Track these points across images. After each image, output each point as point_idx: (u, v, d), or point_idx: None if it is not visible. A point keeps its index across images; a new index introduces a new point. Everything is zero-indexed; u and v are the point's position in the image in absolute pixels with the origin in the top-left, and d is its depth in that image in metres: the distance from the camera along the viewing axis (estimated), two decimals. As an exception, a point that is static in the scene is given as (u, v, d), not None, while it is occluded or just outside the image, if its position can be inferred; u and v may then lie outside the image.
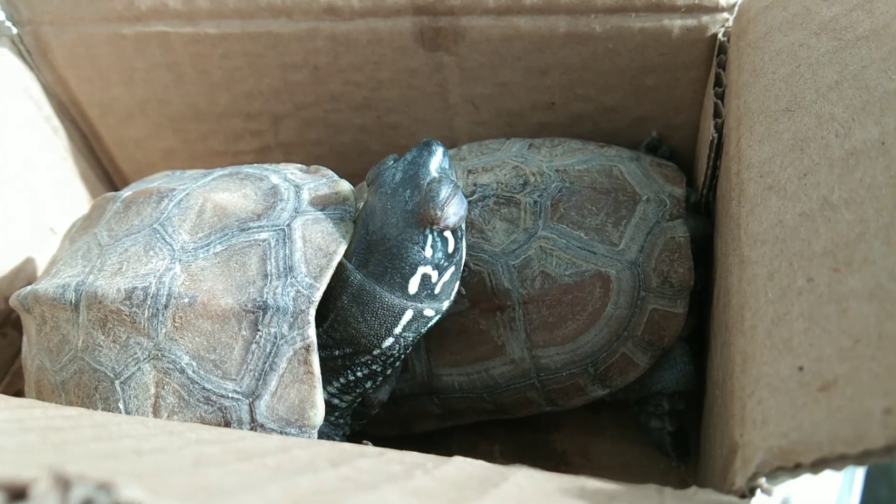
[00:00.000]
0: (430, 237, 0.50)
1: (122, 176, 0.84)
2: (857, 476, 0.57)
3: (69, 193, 0.78)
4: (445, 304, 0.53)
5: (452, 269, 0.52)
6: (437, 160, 0.51)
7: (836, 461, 0.33)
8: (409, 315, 0.51)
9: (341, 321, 0.52)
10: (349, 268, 0.51)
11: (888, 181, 0.39)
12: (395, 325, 0.51)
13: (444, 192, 0.49)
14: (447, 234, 0.51)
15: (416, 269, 0.50)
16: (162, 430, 0.41)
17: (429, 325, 0.53)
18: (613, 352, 0.58)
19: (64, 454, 0.32)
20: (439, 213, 0.49)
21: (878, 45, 0.47)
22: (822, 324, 0.38)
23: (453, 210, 0.49)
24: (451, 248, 0.51)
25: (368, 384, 0.55)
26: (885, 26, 0.47)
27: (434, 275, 0.51)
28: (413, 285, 0.51)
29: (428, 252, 0.50)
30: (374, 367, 0.54)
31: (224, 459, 0.34)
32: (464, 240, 0.53)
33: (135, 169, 0.83)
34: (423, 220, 0.49)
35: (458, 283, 0.54)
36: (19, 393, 0.66)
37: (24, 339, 0.59)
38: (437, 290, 0.52)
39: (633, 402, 0.63)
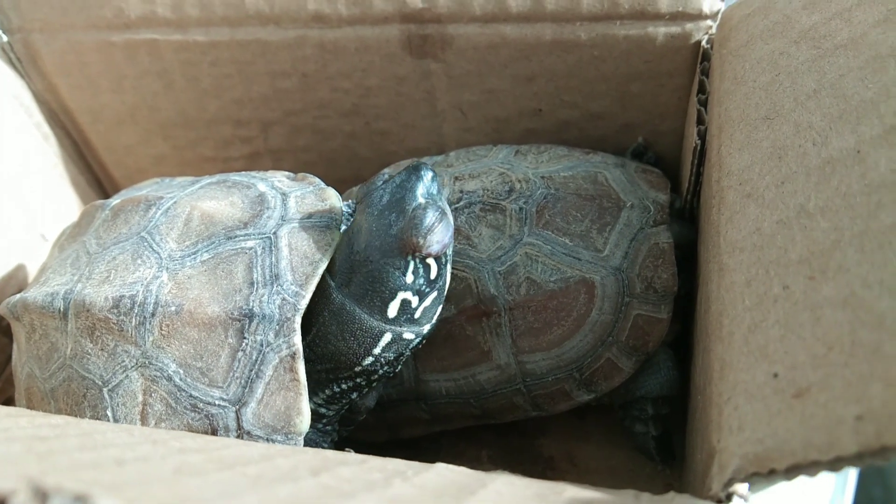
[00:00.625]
0: (411, 264, 0.50)
1: (113, 182, 0.84)
2: (850, 476, 0.58)
3: (60, 200, 0.79)
4: (426, 328, 0.53)
5: (434, 294, 0.52)
6: (425, 185, 0.50)
7: (808, 467, 0.34)
8: (387, 337, 0.51)
9: (322, 337, 0.52)
10: (331, 286, 0.51)
11: (863, 189, 0.40)
12: (374, 346, 0.51)
13: (429, 219, 0.48)
14: (430, 260, 0.50)
15: (396, 295, 0.50)
16: (146, 438, 0.41)
17: (411, 347, 0.53)
18: (598, 357, 0.58)
19: (47, 464, 0.32)
20: (422, 240, 0.48)
21: (856, 53, 0.47)
22: (797, 331, 0.38)
23: (437, 238, 0.49)
24: (433, 275, 0.51)
25: (354, 395, 0.55)
26: (863, 35, 0.48)
27: (414, 300, 0.51)
28: (392, 310, 0.50)
29: (409, 278, 0.50)
30: (357, 380, 0.54)
31: (205, 468, 0.34)
32: (448, 265, 0.53)
33: (125, 175, 0.83)
34: (406, 246, 0.49)
35: (440, 307, 0.53)
36: (10, 400, 0.66)
37: (14, 346, 0.59)
38: (417, 315, 0.51)
39: (618, 406, 0.63)
